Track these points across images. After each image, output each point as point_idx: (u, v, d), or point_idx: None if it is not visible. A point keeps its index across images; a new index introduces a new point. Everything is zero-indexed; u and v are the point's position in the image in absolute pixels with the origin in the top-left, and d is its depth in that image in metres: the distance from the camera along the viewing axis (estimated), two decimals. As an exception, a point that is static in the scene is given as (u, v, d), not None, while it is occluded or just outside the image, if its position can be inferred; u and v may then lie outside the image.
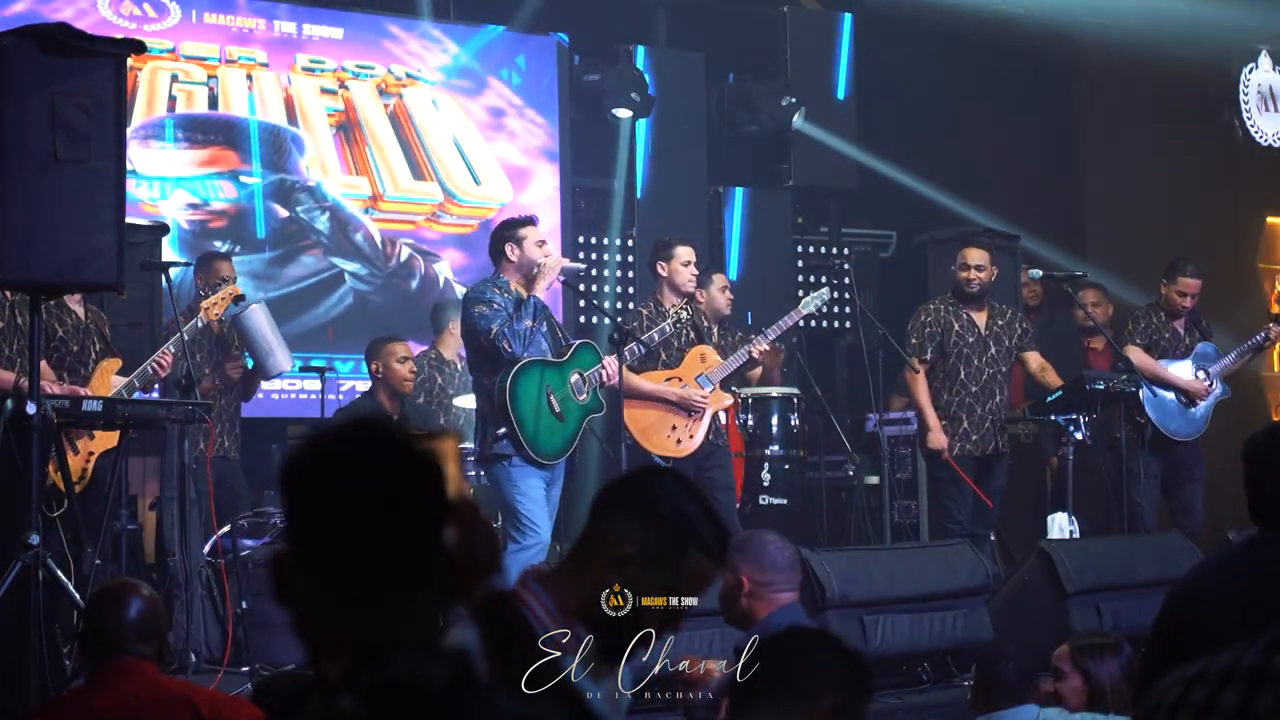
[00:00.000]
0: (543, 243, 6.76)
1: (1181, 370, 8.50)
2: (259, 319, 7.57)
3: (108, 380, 6.60)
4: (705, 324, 7.83)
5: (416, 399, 8.16)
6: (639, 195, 10.32)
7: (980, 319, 8.14)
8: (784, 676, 2.64)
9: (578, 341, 6.91)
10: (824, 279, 8.50)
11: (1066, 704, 4.33)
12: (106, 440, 6.41)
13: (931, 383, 8.05)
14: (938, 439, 7.91)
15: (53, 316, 6.50)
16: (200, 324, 6.88)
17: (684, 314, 7.43)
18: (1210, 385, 8.50)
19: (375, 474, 1.63)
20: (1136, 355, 8.40)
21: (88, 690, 3.68)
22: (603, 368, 6.79)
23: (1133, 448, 8.23)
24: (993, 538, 8.42)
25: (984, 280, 8.12)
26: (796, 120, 10.50)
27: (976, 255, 8.15)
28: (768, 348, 7.74)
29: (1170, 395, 8.42)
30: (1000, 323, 8.18)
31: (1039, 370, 8.29)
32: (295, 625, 1.64)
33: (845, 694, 2.65)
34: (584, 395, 6.73)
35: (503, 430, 6.48)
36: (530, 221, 6.86)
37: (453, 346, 8.55)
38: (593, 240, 10.27)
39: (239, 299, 7.05)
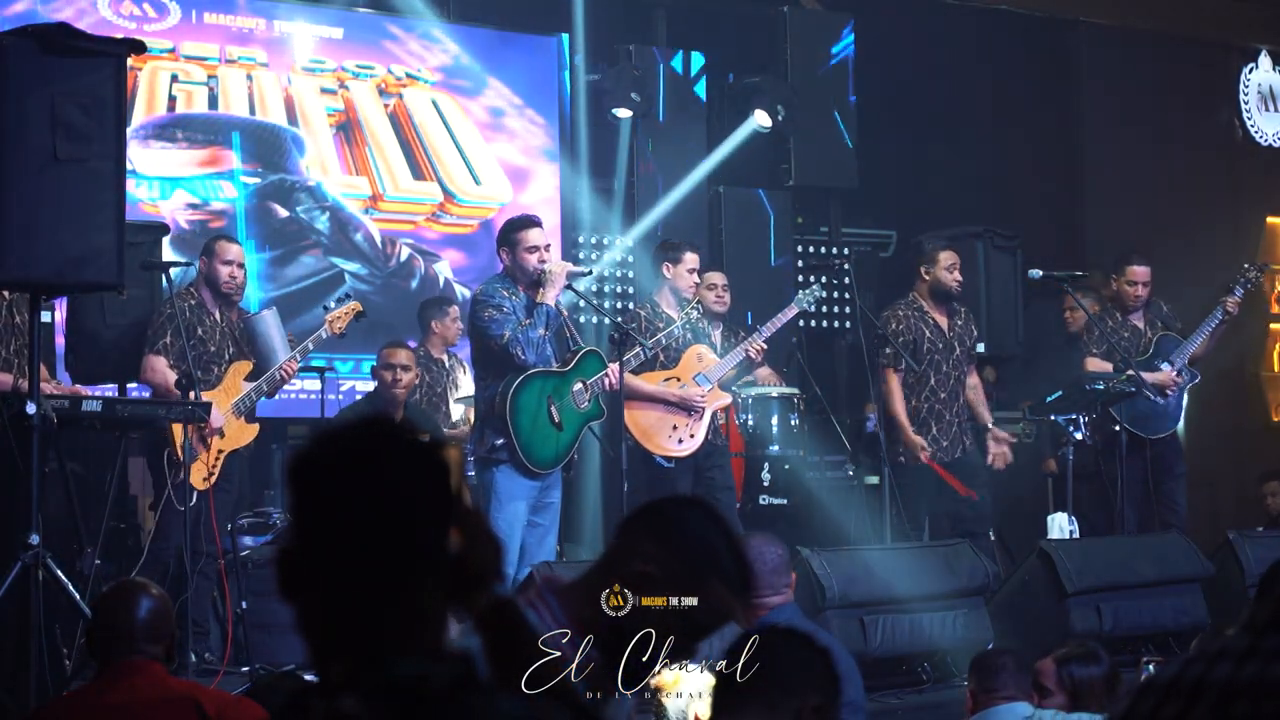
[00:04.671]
0: (535, 248, 6.69)
1: (1147, 369, 8.39)
2: (268, 323, 7.61)
3: (238, 381, 6.94)
4: (703, 324, 7.82)
5: (411, 398, 8.17)
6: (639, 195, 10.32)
7: (944, 322, 8.14)
8: (772, 678, 2.65)
9: (584, 349, 6.91)
10: (815, 278, 8.47)
11: None
12: (235, 439, 6.84)
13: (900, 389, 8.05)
14: (913, 441, 7.88)
15: (193, 316, 6.87)
16: (325, 335, 7.18)
17: (694, 313, 7.41)
18: (1177, 376, 8.41)
19: (382, 473, 1.63)
20: (1094, 365, 8.38)
21: (96, 689, 3.68)
22: (607, 374, 6.79)
23: (1108, 453, 8.20)
24: (993, 537, 8.42)
25: (961, 280, 8.15)
26: (758, 123, 10.44)
27: (954, 255, 8.18)
28: (764, 346, 7.74)
29: (1144, 396, 8.31)
30: (959, 324, 8.19)
31: (970, 387, 8.23)
32: (299, 623, 1.64)
33: (827, 695, 2.67)
34: (585, 403, 6.74)
35: (500, 440, 6.53)
36: (527, 224, 6.79)
37: (439, 345, 8.57)
38: (593, 240, 10.26)
39: (360, 315, 7.37)
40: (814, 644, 2.78)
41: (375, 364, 8.09)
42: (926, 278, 8.13)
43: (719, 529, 2.55)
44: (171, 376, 6.70)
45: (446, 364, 8.56)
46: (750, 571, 2.58)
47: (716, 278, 8.00)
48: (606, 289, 10.08)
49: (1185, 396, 8.57)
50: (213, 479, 6.68)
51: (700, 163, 10.38)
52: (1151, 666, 4.47)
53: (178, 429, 6.43)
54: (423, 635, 1.60)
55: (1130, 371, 8.08)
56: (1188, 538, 7.71)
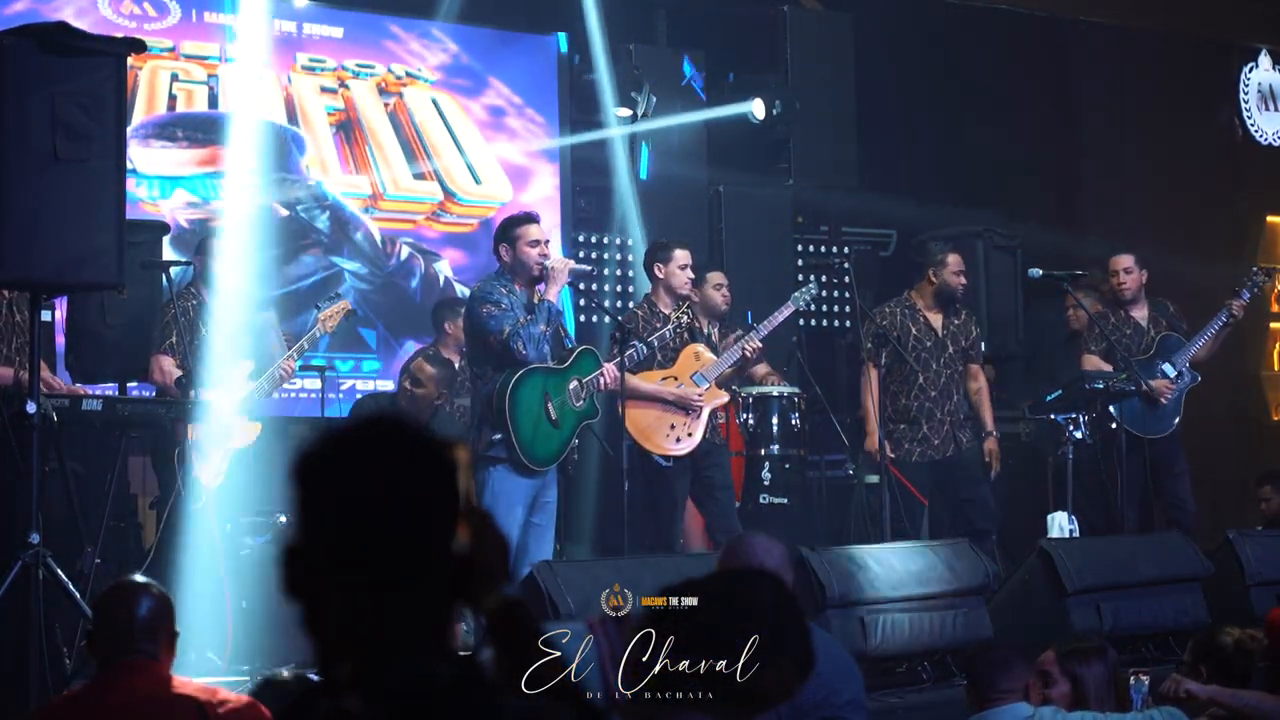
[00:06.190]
0: (536, 243, 6.71)
1: (1147, 368, 8.38)
2: (264, 327, 7.60)
3: (241, 380, 6.98)
4: (698, 323, 7.82)
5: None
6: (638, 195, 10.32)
7: (937, 321, 8.17)
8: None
9: (580, 347, 6.92)
10: (811, 277, 8.49)
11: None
12: (240, 438, 6.87)
13: (889, 386, 8.10)
14: (872, 442, 7.94)
15: (196, 315, 6.92)
16: (319, 334, 7.19)
17: (684, 318, 7.45)
18: (1174, 379, 8.39)
19: (389, 472, 1.62)
20: (1091, 363, 8.39)
21: (96, 688, 3.68)
22: (602, 374, 6.80)
23: (1106, 452, 8.21)
24: (993, 536, 8.42)
25: (965, 283, 8.20)
26: (753, 111, 10.43)
27: (961, 259, 8.22)
28: (761, 345, 7.75)
29: (1144, 394, 8.31)
30: (956, 323, 8.23)
31: (974, 390, 8.26)
32: (303, 622, 1.63)
33: (778, 624, 2.62)
34: (580, 402, 6.74)
35: (498, 436, 6.52)
36: (527, 219, 6.81)
37: (452, 346, 8.57)
38: (593, 240, 10.26)
39: (350, 313, 7.42)
40: (775, 581, 2.77)
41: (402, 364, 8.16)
42: (934, 280, 8.17)
43: (792, 609, 2.58)
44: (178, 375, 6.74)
45: (455, 364, 8.55)
46: (814, 653, 2.60)
47: (719, 276, 8.04)
48: (605, 289, 10.07)
49: (1184, 397, 8.56)
50: (220, 477, 6.73)
51: (699, 160, 10.38)
52: (1139, 678, 4.46)
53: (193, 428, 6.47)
54: (428, 635, 1.60)
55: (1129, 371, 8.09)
56: (1190, 536, 7.71)
